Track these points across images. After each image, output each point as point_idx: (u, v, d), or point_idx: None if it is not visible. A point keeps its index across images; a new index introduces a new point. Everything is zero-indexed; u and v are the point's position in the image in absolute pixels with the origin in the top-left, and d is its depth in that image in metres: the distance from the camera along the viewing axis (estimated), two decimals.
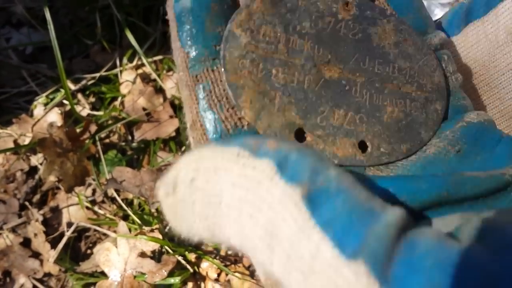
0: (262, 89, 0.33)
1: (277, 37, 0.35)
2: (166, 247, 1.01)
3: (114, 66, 1.32)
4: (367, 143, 0.35)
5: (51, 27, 1.12)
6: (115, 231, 1.07)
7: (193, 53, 0.33)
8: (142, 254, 1.01)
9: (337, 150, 0.34)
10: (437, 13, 1.02)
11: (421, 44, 0.38)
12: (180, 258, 1.00)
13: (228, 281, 1.02)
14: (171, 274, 0.99)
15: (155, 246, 1.02)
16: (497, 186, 0.30)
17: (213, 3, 0.34)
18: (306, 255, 0.21)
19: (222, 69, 0.33)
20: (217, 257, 1.04)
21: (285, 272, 0.22)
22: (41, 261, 1.09)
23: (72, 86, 1.28)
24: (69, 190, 1.14)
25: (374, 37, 0.37)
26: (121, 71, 1.30)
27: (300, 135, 0.34)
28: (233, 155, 0.24)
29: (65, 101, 1.26)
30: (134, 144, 1.21)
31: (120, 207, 1.12)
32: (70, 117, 1.22)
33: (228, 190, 0.23)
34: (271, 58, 0.34)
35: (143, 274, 0.99)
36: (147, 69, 1.28)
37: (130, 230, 1.04)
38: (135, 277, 0.99)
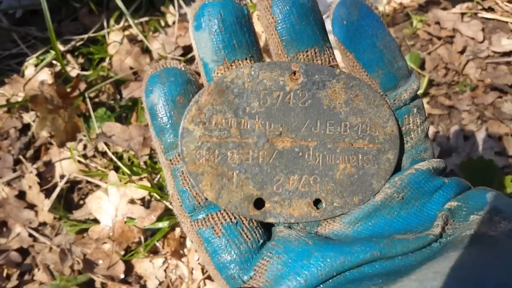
0: (220, 172, 0.39)
1: (228, 123, 0.39)
2: (155, 194, 1.07)
3: (101, 28, 1.36)
4: (322, 200, 0.40)
5: None
6: (106, 183, 1.13)
7: (165, 142, 0.39)
8: (132, 201, 1.07)
9: (293, 211, 0.40)
10: None
11: (372, 97, 0.41)
12: (167, 204, 1.06)
13: None
14: (159, 219, 1.05)
15: (144, 193, 1.08)
16: (423, 245, 0.36)
17: (178, 96, 0.39)
18: None
19: (182, 162, 0.39)
20: None
21: None
22: (36, 212, 1.15)
23: (62, 48, 1.33)
24: (61, 145, 1.20)
25: (324, 99, 0.40)
26: (108, 33, 1.35)
27: (259, 203, 0.40)
28: None
29: (55, 62, 1.30)
30: (123, 102, 1.26)
31: (110, 160, 1.17)
32: (60, 77, 1.27)
33: None
34: (225, 142, 0.39)
35: (133, 219, 1.06)
36: (134, 30, 1.33)
37: (120, 180, 1.10)
38: (125, 222, 1.06)
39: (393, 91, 0.41)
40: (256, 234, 0.39)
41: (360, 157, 0.41)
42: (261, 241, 0.39)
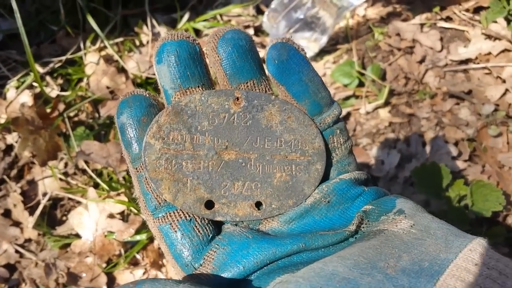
0: (176, 178, 0.47)
1: (183, 138, 0.47)
2: (132, 208, 1.13)
3: (78, 49, 1.43)
4: (262, 203, 0.48)
5: (18, 15, 1.22)
6: (86, 199, 1.19)
7: (132, 154, 0.48)
8: (111, 216, 1.14)
9: (238, 211, 0.48)
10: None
11: (302, 118, 0.48)
12: None
13: None
14: (138, 232, 1.11)
15: (122, 208, 1.14)
16: (340, 239, 0.44)
17: (142, 117, 0.47)
18: None
19: (145, 170, 0.47)
20: None
21: None
22: (21, 229, 1.21)
23: (41, 70, 1.39)
24: (43, 164, 1.26)
25: (263, 120, 0.48)
26: (85, 54, 1.41)
27: (209, 205, 0.47)
28: None
29: (35, 84, 1.36)
30: (101, 120, 1.32)
31: (90, 177, 1.23)
32: (40, 98, 1.33)
33: None
34: (180, 154, 0.47)
35: (113, 233, 1.12)
36: (110, 51, 1.39)
37: (99, 196, 1.16)
38: (105, 236, 1.12)
39: (318, 116, 0.49)
40: (206, 230, 0.47)
41: (294, 167, 0.48)
42: (211, 235, 0.47)
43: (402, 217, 0.43)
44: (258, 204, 0.48)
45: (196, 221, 0.47)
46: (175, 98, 0.48)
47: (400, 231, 0.41)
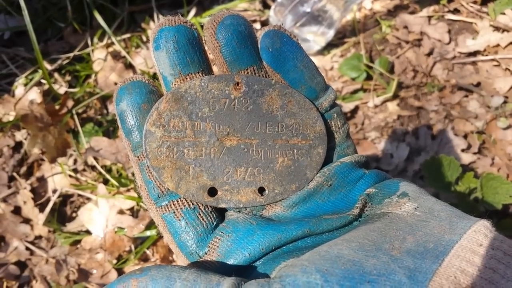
0: (178, 166, 0.47)
1: (184, 125, 0.47)
2: (141, 204, 1.13)
3: (86, 46, 1.43)
4: (265, 188, 0.48)
5: (25, 12, 1.22)
6: (96, 195, 1.19)
7: (133, 141, 0.47)
8: (121, 212, 1.14)
9: (241, 197, 0.47)
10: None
11: (303, 102, 0.48)
12: None
13: None
14: (148, 227, 1.12)
15: (132, 203, 1.15)
16: (344, 223, 0.44)
17: (143, 104, 0.46)
18: None
19: (146, 158, 0.46)
20: None
21: None
22: (32, 226, 1.21)
23: (49, 66, 1.39)
24: (53, 160, 1.26)
25: (263, 105, 0.48)
26: (93, 50, 1.41)
27: (212, 192, 0.47)
28: None
29: (43, 81, 1.37)
30: (109, 117, 1.33)
31: (100, 173, 1.24)
32: (49, 95, 1.33)
33: None
34: (182, 142, 0.47)
35: (123, 229, 1.12)
36: (117, 47, 1.39)
37: (109, 192, 1.17)
38: (116, 232, 1.12)
39: (315, 101, 0.49)
40: (210, 217, 0.47)
41: (295, 152, 0.48)
42: (215, 223, 0.47)
43: (406, 200, 0.43)
44: (261, 190, 0.48)
45: (200, 209, 0.47)
46: (174, 84, 0.47)
47: (404, 213, 0.42)
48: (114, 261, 1.13)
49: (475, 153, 1.18)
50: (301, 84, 0.49)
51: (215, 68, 0.50)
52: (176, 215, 0.46)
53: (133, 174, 1.21)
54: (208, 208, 0.47)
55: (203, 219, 0.46)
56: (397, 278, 0.34)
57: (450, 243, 0.36)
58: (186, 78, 0.47)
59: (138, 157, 0.47)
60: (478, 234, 0.37)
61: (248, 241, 0.44)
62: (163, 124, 0.46)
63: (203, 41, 0.48)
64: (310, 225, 0.44)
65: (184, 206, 0.46)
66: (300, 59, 0.48)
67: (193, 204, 0.47)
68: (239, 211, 0.48)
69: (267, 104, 0.48)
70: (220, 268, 0.43)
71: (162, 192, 0.47)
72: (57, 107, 1.29)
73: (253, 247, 0.43)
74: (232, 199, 0.47)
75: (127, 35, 1.43)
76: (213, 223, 0.47)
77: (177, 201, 0.47)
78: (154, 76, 1.37)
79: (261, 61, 0.48)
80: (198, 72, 0.47)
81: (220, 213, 0.49)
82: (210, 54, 0.49)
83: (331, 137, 0.50)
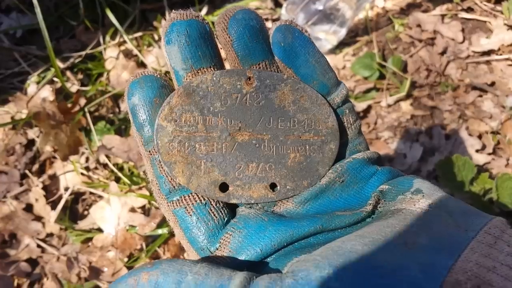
0: (189, 161, 0.46)
1: (196, 120, 0.46)
2: (153, 202, 1.13)
3: (98, 44, 1.43)
4: (277, 184, 0.47)
5: (38, 10, 1.22)
6: (108, 193, 1.19)
7: (145, 136, 0.47)
8: (133, 210, 1.14)
9: (252, 193, 0.47)
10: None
11: (315, 98, 0.48)
12: None
13: None
14: (159, 226, 1.11)
15: (144, 202, 1.14)
16: (357, 219, 0.44)
17: (155, 98, 0.46)
18: None
19: (158, 153, 0.46)
20: None
21: None
22: (43, 223, 1.22)
23: (61, 65, 1.39)
24: (65, 158, 1.26)
25: (275, 100, 0.47)
26: (105, 49, 1.41)
27: (224, 187, 0.47)
28: None
29: (55, 79, 1.37)
30: (121, 115, 1.33)
31: (111, 171, 1.24)
32: (61, 93, 1.34)
33: None
34: (193, 136, 0.46)
35: (134, 227, 1.12)
36: (129, 45, 1.39)
37: (121, 190, 1.17)
38: (127, 230, 1.12)
39: (327, 96, 0.49)
40: (221, 213, 0.46)
41: (307, 148, 0.48)
42: (226, 218, 0.46)
43: (420, 196, 0.43)
44: (273, 186, 0.48)
45: (211, 204, 0.46)
46: (186, 79, 0.47)
47: (418, 209, 0.41)
48: (125, 259, 1.12)
49: (489, 154, 1.17)
50: (313, 79, 0.48)
51: (227, 65, 0.50)
52: (187, 210, 0.46)
53: (144, 172, 1.21)
54: (220, 204, 0.47)
55: (214, 215, 0.46)
56: (412, 273, 0.34)
57: (466, 239, 0.36)
58: (198, 72, 0.47)
59: (149, 151, 0.47)
60: (494, 230, 0.36)
61: (260, 237, 0.43)
62: (174, 118, 0.46)
63: (215, 37, 0.48)
64: (323, 222, 0.43)
65: (196, 201, 0.46)
66: (312, 54, 0.48)
67: (204, 199, 0.46)
68: (250, 207, 0.48)
69: (279, 99, 0.48)
70: (231, 264, 0.43)
71: (174, 187, 0.46)
72: (69, 105, 1.29)
73: (265, 243, 0.43)
74: (244, 195, 0.47)
75: (139, 34, 1.43)
76: (224, 219, 0.46)
77: (188, 196, 0.46)
78: (166, 74, 1.36)
79: (273, 56, 0.48)
80: (210, 67, 0.47)
81: (231, 209, 0.49)
82: (221, 49, 0.48)
83: (343, 133, 0.50)
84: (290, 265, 0.39)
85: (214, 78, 0.46)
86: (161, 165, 0.47)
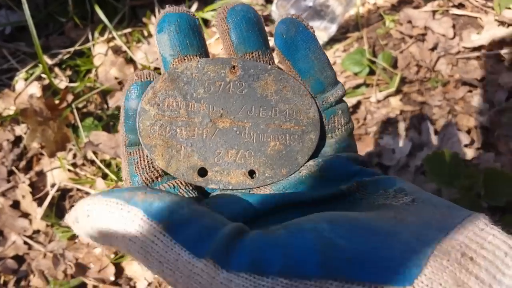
0: (170, 145, 0.46)
1: (178, 105, 0.46)
2: None
3: (87, 41, 1.43)
4: (255, 171, 0.47)
5: (25, 7, 1.21)
6: (95, 189, 1.18)
7: (131, 139, 0.46)
8: None
9: (231, 179, 0.47)
10: None
11: (297, 88, 0.48)
12: None
13: None
14: None
15: None
16: (332, 194, 0.43)
17: None
18: (171, 260, 0.33)
19: (139, 135, 0.46)
20: None
21: (159, 271, 0.34)
22: (30, 220, 1.21)
23: (50, 61, 1.38)
24: (52, 155, 1.25)
25: (258, 89, 0.47)
26: (93, 45, 1.40)
27: (203, 172, 0.46)
28: (113, 202, 0.35)
29: (43, 75, 1.36)
30: (109, 111, 1.32)
31: (99, 167, 1.23)
32: (49, 89, 1.33)
33: (112, 224, 0.35)
34: (175, 121, 0.46)
35: None
36: (118, 41, 1.39)
37: (108, 186, 1.16)
38: None
39: (321, 94, 0.49)
40: (191, 194, 0.46)
41: (288, 137, 0.48)
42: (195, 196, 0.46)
43: (403, 195, 0.42)
44: (252, 173, 0.47)
45: (180, 187, 0.46)
46: (172, 65, 0.47)
47: (403, 205, 0.40)
48: (112, 256, 1.11)
49: (478, 149, 1.16)
50: (310, 75, 0.48)
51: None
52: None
53: None
54: (190, 187, 0.46)
55: (183, 195, 0.45)
56: (405, 237, 0.33)
57: (452, 224, 0.35)
58: (184, 59, 0.47)
59: (130, 153, 0.47)
60: (478, 221, 0.36)
61: (240, 200, 0.44)
62: (157, 102, 0.46)
63: (203, 32, 0.49)
64: (290, 197, 0.44)
65: (165, 188, 0.46)
66: (313, 50, 0.48)
67: (174, 185, 0.46)
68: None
69: (262, 89, 0.48)
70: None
71: (147, 184, 0.46)
72: (56, 101, 1.28)
73: (247, 204, 0.43)
74: (222, 180, 0.47)
75: (128, 30, 1.42)
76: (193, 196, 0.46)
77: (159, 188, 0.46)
78: (155, 71, 1.36)
79: (267, 48, 0.49)
80: (196, 55, 0.48)
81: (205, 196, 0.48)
82: (218, 38, 0.49)
83: (331, 133, 0.49)
84: (279, 226, 0.39)
85: (199, 65, 0.47)
86: (137, 165, 0.46)
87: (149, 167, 0.46)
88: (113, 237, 0.35)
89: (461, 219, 0.36)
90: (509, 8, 1.33)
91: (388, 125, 1.23)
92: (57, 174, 1.25)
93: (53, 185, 1.22)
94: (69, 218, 0.37)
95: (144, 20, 1.43)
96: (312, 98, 0.48)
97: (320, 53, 0.48)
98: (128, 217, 0.34)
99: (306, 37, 0.47)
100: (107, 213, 0.35)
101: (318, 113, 0.48)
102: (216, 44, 1.32)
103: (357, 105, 1.28)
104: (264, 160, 0.47)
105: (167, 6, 0.47)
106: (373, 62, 1.30)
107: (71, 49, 1.40)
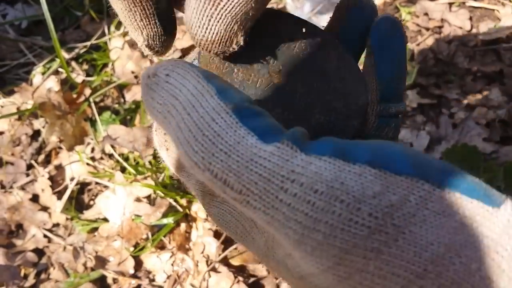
0: (224, 79, 0.45)
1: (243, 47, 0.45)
2: (159, 192, 1.13)
3: (103, 35, 1.43)
4: None
5: (43, 1, 1.22)
6: (113, 183, 1.19)
7: None
8: (138, 199, 1.14)
9: None
10: None
11: (356, 73, 0.46)
12: (171, 201, 1.12)
13: None
14: (165, 215, 1.11)
15: (149, 191, 1.14)
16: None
17: None
18: (230, 141, 0.30)
19: (198, 63, 0.44)
20: None
21: (209, 154, 0.30)
22: (49, 214, 1.22)
23: (66, 55, 1.39)
24: (70, 149, 1.26)
25: (319, 60, 0.46)
26: (109, 39, 1.41)
27: None
28: (194, 73, 0.33)
29: (60, 69, 1.37)
30: (126, 105, 1.33)
31: (117, 161, 1.24)
32: (66, 84, 1.34)
33: (183, 96, 0.32)
34: (236, 60, 0.44)
35: (140, 216, 1.12)
36: None
37: (126, 180, 1.17)
38: (133, 219, 1.12)
39: (384, 103, 0.47)
40: None
41: (334, 114, 0.47)
42: None
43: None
44: None
45: None
46: None
47: None
48: (131, 249, 1.13)
49: (497, 142, 1.16)
50: (386, 80, 0.47)
51: None
52: None
53: (150, 163, 1.21)
54: None
55: None
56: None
57: None
58: None
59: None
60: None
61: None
62: None
63: None
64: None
65: None
66: (400, 59, 0.47)
67: None
68: None
69: (324, 61, 0.46)
70: None
71: None
72: (74, 95, 1.29)
73: None
74: None
75: None
76: None
77: None
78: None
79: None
80: None
81: None
82: None
83: (374, 138, 0.49)
84: None
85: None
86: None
87: None
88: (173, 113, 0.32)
89: None
90: None
91: (405, 118, 1.23)
92: (75, 167, 1.25)
93: (72, 179, 1.23)
94: (147, 70, 0.35)
95: None
96: (366, 86, 0.48)
97: (404, 65, 0.47)
98: (202, 90, 0.32)
99: (401, 43, 0.46)
100: (183, 80, 0.32)
101: (367, 102, 0.48)
102: None
103: None
104: (306, 129, 0.48)
105: None
106: None
107: (88, 43, 1.41)
